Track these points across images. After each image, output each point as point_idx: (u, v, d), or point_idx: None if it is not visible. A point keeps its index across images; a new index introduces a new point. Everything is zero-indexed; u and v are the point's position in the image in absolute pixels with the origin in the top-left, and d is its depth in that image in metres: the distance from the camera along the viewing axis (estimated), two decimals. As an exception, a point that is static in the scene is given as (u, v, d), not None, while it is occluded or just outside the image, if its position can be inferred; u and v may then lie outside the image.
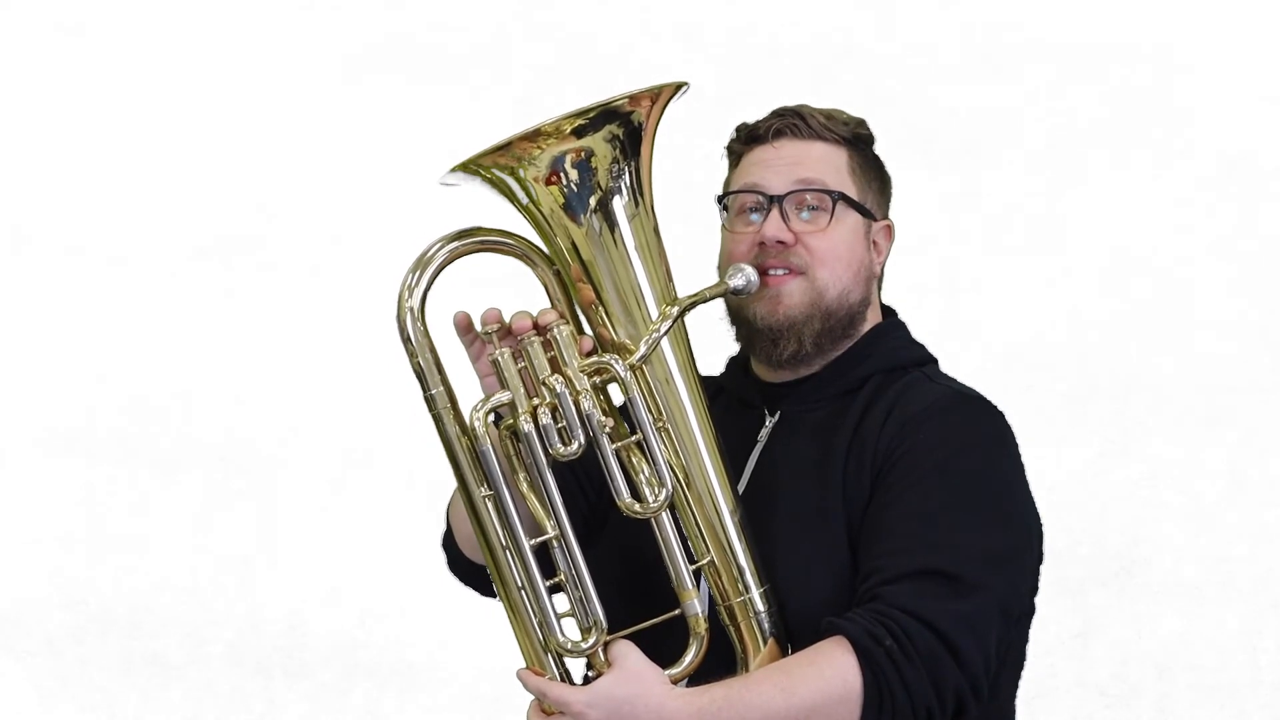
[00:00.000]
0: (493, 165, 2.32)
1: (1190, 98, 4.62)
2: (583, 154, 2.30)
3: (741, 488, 2.42)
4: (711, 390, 2.56)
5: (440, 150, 4.74)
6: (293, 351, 4.74)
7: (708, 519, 2.33)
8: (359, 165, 4.79)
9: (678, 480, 2.33)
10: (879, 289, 2.53)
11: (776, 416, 2.46)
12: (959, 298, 4.58)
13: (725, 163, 2.54)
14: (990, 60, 4.68)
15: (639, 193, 2.35)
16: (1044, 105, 4.66)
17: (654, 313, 2.33)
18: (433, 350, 2.31)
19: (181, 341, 4.77)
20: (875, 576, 2.25)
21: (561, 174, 2.30)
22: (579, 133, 2.29)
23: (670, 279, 2.37)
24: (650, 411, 2.31)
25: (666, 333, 2.30)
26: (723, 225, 2.49)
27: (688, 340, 2.38)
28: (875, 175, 2.49)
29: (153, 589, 4.71)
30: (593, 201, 2.32)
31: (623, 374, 2.29)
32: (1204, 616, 4.46)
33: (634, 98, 2.30)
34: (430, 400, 2.31)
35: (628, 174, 2.34)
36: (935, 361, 2.51)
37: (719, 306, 2.47)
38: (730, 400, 2.51)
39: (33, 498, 4.74)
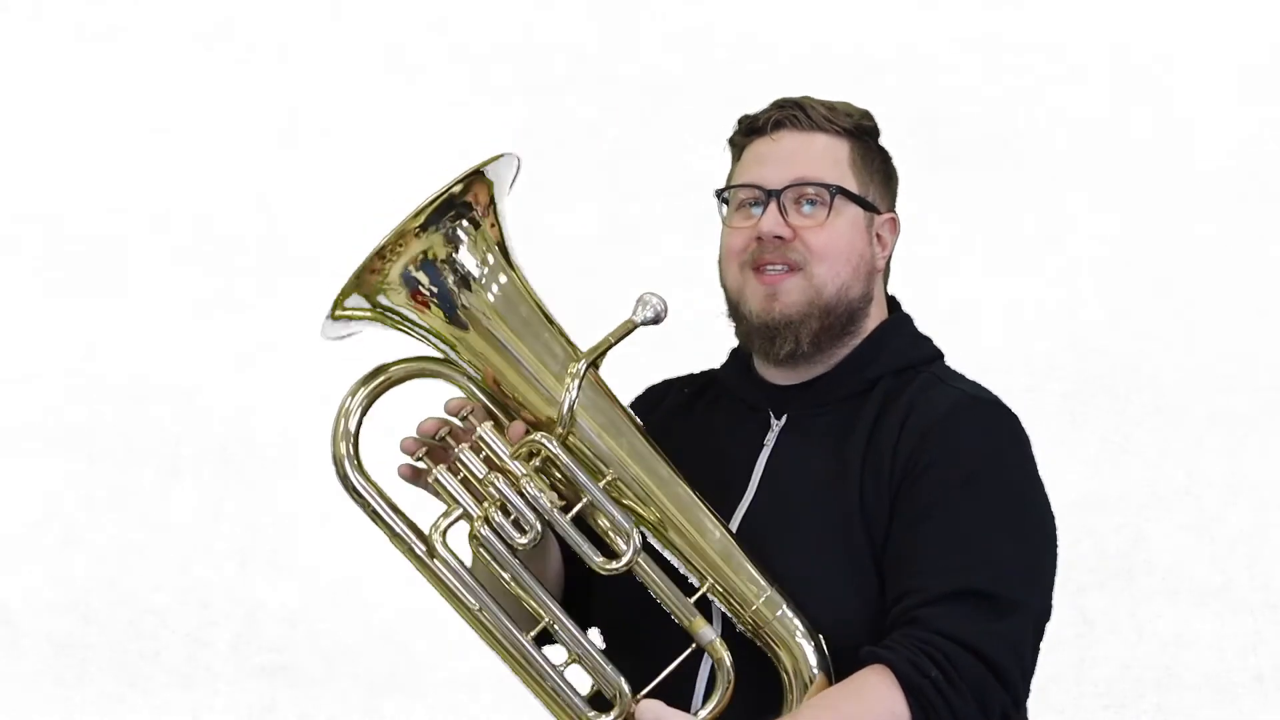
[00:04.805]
0: (361, 307, 2.32)
1: (1191, 97, 4.62)
2: (420, 257, 2.28)
3: (750, 494, 2.37)
4: (698, 385, 2.53)
5: (439, 149, 4.73)
6: (294, 351, 4.74)
7: (694, 545, 2.29)
8: (362, 163, 4.79)
9: (652, 520, 2.30)
10: (885, 283, 2.50)
11: (783, 420, 2.41)
12: (958, 297, 4.58)
13: (722, 158, 2.51)
14: (989, 59, 4.68)
15: (500, 266, 2.31)
16: (1044, 104, 4.66)
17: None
18: (382, 495, 2.32)
19: (182, 340, 4.76)
20: (910, 598, 2.22)
21: (418, 287, 2.29)
22: (418, 233, 2.27)
23: (565, 338, 2.33)
24: (592, 474, 2.29)
25: (577, 396, 2.25)
26: (722, 220, 2.45)
27: (605, 385, 2.34)
28: (879, 168, 2.45)
29: (153, 589, 4.70)
30: (459, 299, 2.30)
31: (554, 450, 2.27)
32: (1204, 616, 4.46)
33: (449, 189, 2.27)
34: (398, 540, 2.32)
35: (474, 256, 2.30)
36: (942, 356, 2.48)
37: (719, 302, 2.45)
38: (732, 402, 2.47)
39: (32, 497, 4.73)
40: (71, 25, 4.83)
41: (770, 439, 2.41)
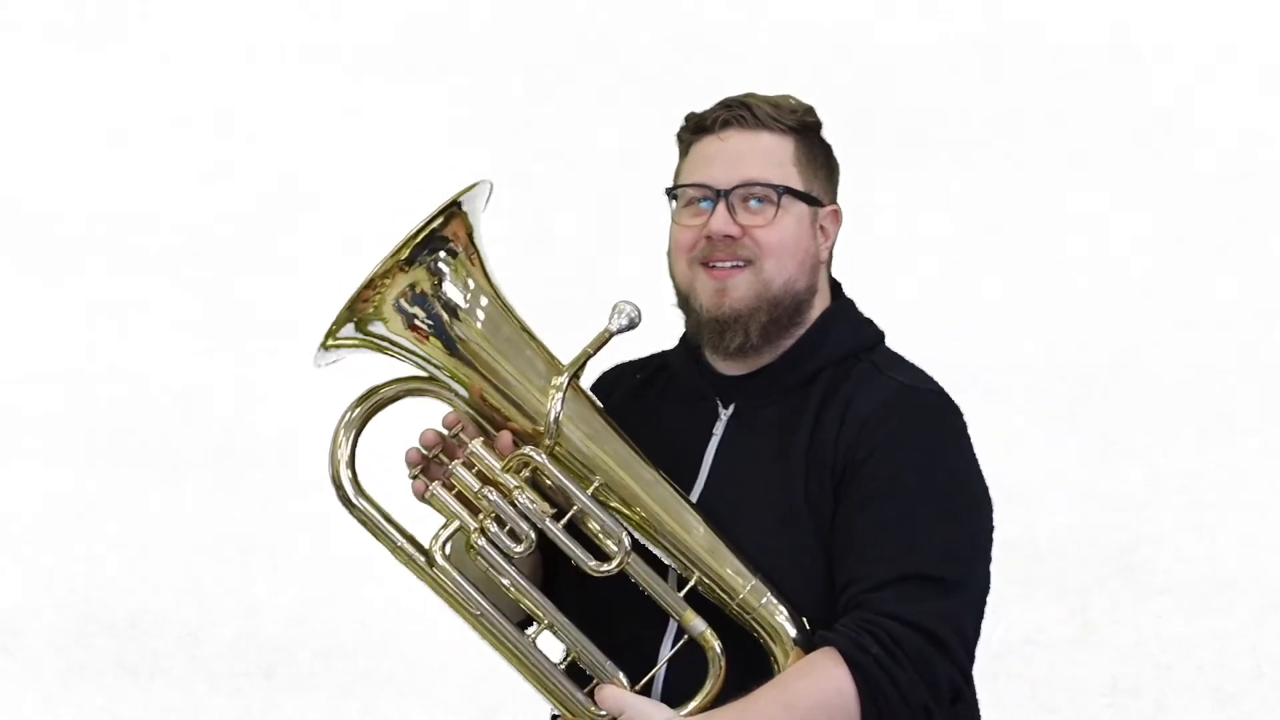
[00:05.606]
0: (351, 336, 2.40)
1: (1189, 98, 4.63)
2: (407, 288, 2.37)
3: (700, 484, 2.44)
4: (650, 370, 2.58)
5: (437, 149, 4.74)
6: (294, 350, 4.74)
7: (680, 541, 2.38)
8: (364, 162, 4.80)
9: (639, 520, 2.38)
10: (828, 270, 2.55)
11: (731, 410, 2.47)
12: (958, 298, 4.59)
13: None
14: (989, 59, 4.68)
15: (481, 290, 2.40)
16: (1045, 103, 4.67)
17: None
18: (381, 512, 2.40)
19: (182, 341, 4.77)
20: (856, 586, 2.31)
21: (408, 316, 2.37)
22: (403, 267, 2.36)
23: (546, 353, 2.41)
24: (581, 481, 2.38)
25: (562, 408, 2.34)
26: (672, 216, 2.49)
27: (586, 395, 2.42)
28: (823, 163, 2.50)
29: (152, 589, 4.71)
30: (446, 325, 2.38)
31: (542, 461, 2.36)
32: (1204, 616, 4.47)
33: (429, 224, 2.36)
34: (399, 553, 2.40)
35: (458, 283, 2.39)
36: (882, 338, 2.53)
37: (670, 292, 2.48)
38: (680, 390, 2.52)
39: (31, 498, 4.74)
40: (71, 25, 4.84)
41: (719, 429, 2.48)
